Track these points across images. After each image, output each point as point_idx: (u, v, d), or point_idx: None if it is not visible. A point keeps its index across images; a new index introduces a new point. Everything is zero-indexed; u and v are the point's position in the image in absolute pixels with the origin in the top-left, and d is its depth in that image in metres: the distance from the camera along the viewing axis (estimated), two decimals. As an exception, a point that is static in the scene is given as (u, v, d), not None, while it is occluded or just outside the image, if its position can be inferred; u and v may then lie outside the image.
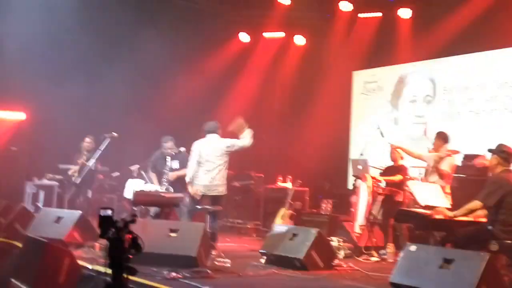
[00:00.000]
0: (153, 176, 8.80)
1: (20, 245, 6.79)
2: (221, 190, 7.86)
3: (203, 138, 8.01)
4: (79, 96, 11.05)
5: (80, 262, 6.01)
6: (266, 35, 13.76)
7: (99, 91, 11.34)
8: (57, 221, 7.59)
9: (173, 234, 6.62)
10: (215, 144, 7.90)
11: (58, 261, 5.63)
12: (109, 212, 3.72)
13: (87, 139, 10.21)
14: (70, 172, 10.13)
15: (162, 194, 8.00)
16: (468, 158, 8.64)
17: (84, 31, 11.09)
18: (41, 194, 10.90)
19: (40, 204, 10.56)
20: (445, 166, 7.76)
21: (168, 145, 8.73)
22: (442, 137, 8.01)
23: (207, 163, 7.80)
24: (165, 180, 8.43)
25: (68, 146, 10.57)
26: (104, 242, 3.72)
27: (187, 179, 7.89)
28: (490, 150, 6.25)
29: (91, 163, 9.70)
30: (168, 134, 9.03)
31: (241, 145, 7.81)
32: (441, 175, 7.72)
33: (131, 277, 3.72)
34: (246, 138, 7.79)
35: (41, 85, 10.73)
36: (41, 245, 5.83)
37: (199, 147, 7.89)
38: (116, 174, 11.27)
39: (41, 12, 10.34)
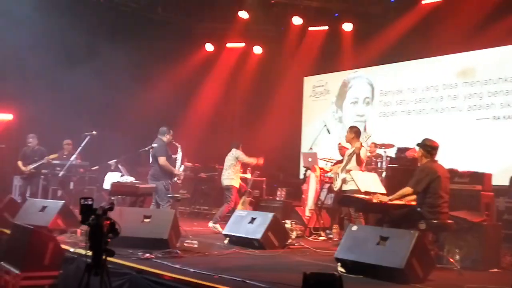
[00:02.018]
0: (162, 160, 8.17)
1: (8, 232, 6.62)
2: (229, 182, 9.12)
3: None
4: (59, 99, 10.98)
5: (63, 246, 5.91)
6: (229, 45, 13.72)
7: (76, 95, 11.28)
8: (42, 210, 7.43)
9: (146, 220, 6.56)
10: (232, 153, 9.29)
11: (43, 245, 5.53)
12: (89, 201, 3.67)
13: (30, 138, 10.16)
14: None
15: (137, 185, 7.90)
16: (400, 150, 8.72)
17: (57, 42, 11.05)
18: (28, 186, 10.64)
19: (27, 195, 10.31)
20: (362, 155, 7.52)
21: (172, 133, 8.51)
22: (354, 132, 7.64)
23: (225, 165, 9.27)
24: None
25: (50, 143, 10.43)
26: (85, 228, 3.67)
27: None
28: (417, 144, 6.37)
29: (73, 157, 9.57)
30: (142, 132, 8.90)
31: (246, 161, 9.32)
32: (359, 162, 7.46)
33: (109, 258, 3.69)
34: (252, 160, 9.34)
35: (26, 90, 10.69)
36: (28, 231, 5.71)
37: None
38: (95, 167, 11.07)
39: (18, 26, 10.15)
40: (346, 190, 7.40)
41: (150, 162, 8.25)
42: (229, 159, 9.27)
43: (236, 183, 9.15)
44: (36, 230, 5.70)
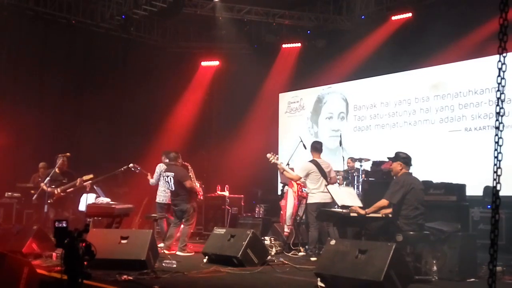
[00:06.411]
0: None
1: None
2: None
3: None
4: (30, 124, 11.02)
5: (39, 271, 5.77)
6: (203, 63, 13.76)
7: (47, 119, 11.41)
8: (17, 234, 7.26)
9: (123, 241, 6.47)
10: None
11: (18, 270, 5.39)
12: (64, 223, 3.62)
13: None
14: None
15: (113, 206, 7.81)
16: (376, 164, 8.85)
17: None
18: (1, 211, 10.41)
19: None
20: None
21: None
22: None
23: (165, 183, 8.56)
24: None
25: (23, 167, 10.36)
26: (60, 251, 3.60)
27: None
28: (389, 158, 6.48)
29: (46, 181, 9.37)
30: (118, 153, 8.85)
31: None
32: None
33: (86, 281, 3.62)
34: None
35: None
36: (1, 256, 5.57)
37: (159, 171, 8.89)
38: (70, 189, 10.89)
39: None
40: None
41: (172, 189, 8.29)
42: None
43: None
44: (10, 254, 5.56)
